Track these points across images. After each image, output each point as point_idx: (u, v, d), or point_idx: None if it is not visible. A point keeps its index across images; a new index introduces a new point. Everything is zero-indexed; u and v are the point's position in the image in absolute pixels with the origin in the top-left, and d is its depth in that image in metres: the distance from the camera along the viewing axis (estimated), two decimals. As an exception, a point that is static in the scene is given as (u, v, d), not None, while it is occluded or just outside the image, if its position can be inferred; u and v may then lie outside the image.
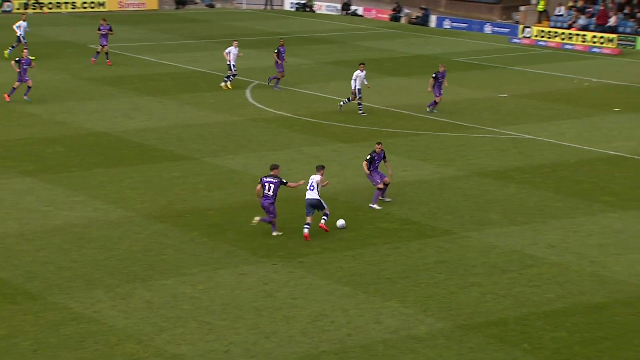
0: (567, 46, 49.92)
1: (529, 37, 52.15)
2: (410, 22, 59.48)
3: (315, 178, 20.33)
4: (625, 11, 51.61)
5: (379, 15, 61.47)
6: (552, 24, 54.01)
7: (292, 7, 65.40)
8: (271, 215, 20.13)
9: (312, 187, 20.25)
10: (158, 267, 18.41)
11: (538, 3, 56.26)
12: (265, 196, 20.04)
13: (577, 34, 50.43)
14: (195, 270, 18.25)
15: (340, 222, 20.79)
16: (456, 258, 19.13)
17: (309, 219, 20.12)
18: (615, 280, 17.93)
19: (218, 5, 66.87)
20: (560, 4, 55.29)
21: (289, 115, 32.24)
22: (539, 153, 27.65)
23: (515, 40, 52.14)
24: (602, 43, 49.29)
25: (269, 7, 65.36)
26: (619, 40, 48.86)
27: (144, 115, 32.06)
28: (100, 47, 40.58)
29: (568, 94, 36.69)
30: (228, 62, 36.07)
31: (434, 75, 32.08)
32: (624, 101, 35.44)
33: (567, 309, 16.62)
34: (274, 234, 20.27)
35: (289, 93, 36.02)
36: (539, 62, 44.77)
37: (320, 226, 20.23)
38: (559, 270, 18.49)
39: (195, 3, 66.74)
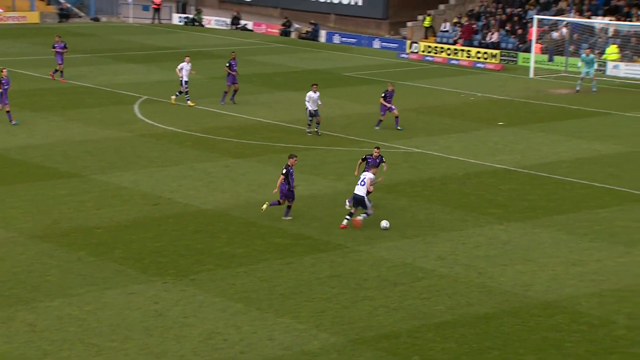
0: (453, 61, 51.27)
1: (416, 53, 53.30)
2: (300, 37, 59.89)
3: (367, 175, 21.58)
4: (507, 28, 53.43)
5: (269, 30, 61.65)
6: (438, 39, 55.40)
7: (180, 22, 64.85)
8: (289, 200, 22.00)
9: (362, 183, 21.48)
10: (42, 289, 17.84)
11: (424, 19, 57.62)
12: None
13: (462, 50, 51.86)
14: (82, 291, 17.77)
15: (384, 223, 21.64)
16: (349, 272, 19.29)
17: (353, 211, 21.70)
18: (501, 291, 18.43)
19: (104, 19, 65.66)
20: (445, 20, 56.79)
21: (179, 130, 31.88)
22: (428, 166, 28.20)
23: (403, 56, 53.20)
24: (485, 59, 50.84)
25: (156, 21, 64.61)
26: (501, 56, 50.51)
27: (26, 132, 31.10)
28: (59, 65, 39.76)
29: (455, 109, 37.65)
30: (180, 78, 35.44)
31: (383, 95, 32.68)
32: (507, 115, 36.61)
33: (456, 320, 16.97)
34: (286, 218, 21.98)
35: (179, 108, 35.64)
36: (426, 77, 45.80)
37: (354, 221, 21.53)
38: (448, 282, 18.88)
39: (80, 17, 65.34)
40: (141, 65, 45.68)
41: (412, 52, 53.49)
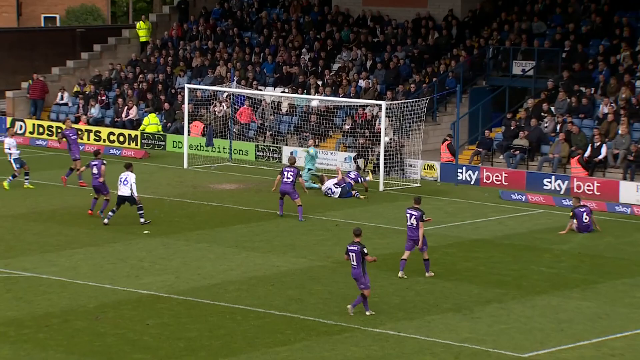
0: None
1: (22, 135, 52.46)
2: None
3: None
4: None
5: None
6: (53, 116, 55.05)
7: None
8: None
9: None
10: None
11: (32, 88, 56.96)
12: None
13: (89, 130, 51.85)
14: None
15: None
16: None
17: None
18: None
19: None
20: (63, 89, 56.49)
21: None
22: (42, 297, 27.61)
23: (1, 139, 51.99)
24: (122, 142, 51.13)
25: None
26: (143, 138, 51.00)
27: None
28: None
29: (81, 212, 37.27)
30: None
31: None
32: (156, 219, 36.92)
33: None
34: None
35: None
36: (37, 169, 45.13)
37: None
38: None
39: None
40: None
41: (16, 133, 52.52)
